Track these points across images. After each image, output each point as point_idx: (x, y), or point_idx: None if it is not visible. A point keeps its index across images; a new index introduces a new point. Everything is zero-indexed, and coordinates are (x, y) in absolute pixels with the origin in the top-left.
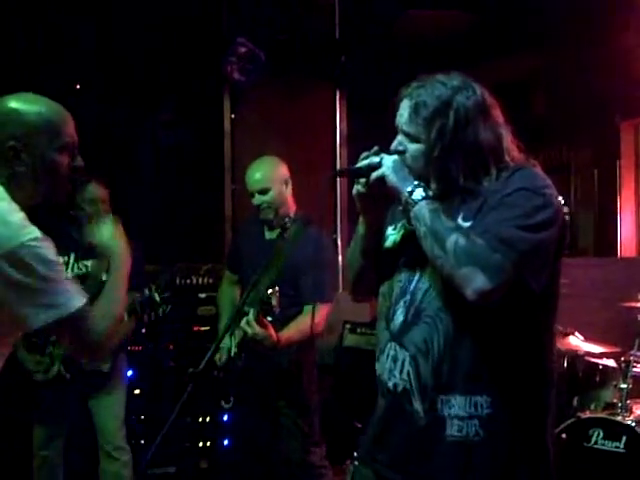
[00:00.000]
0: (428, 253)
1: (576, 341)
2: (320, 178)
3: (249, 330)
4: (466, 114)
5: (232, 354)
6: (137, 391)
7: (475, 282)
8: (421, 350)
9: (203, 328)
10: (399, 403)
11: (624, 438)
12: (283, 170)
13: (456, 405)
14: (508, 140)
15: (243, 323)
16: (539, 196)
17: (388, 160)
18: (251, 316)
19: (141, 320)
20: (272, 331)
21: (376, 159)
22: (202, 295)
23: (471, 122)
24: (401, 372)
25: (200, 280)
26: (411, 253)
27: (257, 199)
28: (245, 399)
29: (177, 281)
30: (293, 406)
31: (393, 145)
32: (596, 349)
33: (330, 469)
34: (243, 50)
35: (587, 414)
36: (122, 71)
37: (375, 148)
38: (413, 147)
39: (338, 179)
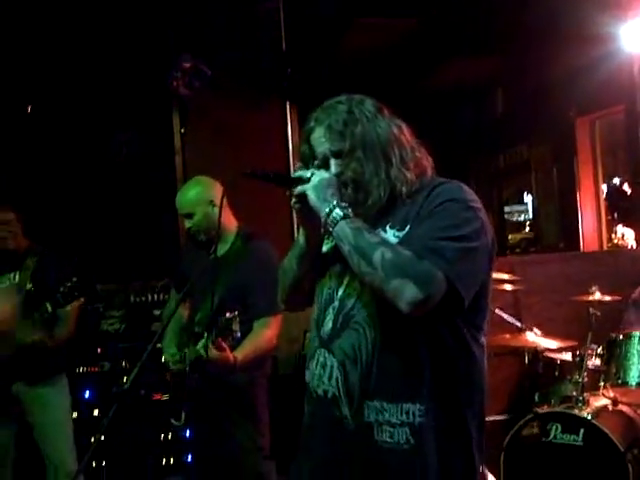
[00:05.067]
0: (356, 270)
1: (534, 337)
2: (275, 191)
3: (207, 354)
4: (371, 115)
5: (185, 372)
6: (96, 412)
7: (406, 293)
8: (349, 357)
9: (159, 345)
10: (327, 409)
11: (582, 431)
12: (208, 191)
13: (386, 412)
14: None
15: (200, 346)
16: (467, 209)
17: (315, 178)
18: (207, 341)
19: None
20: (230, 354)
21: (307, 174)
22: (157, 312)
23: (378, 119)
24: (330, 378)
25: (155, 297)
26: (342, 259)
27: (185, 223)
28: (197, 416)
29: (131, 299)
30: (246, 422)
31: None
32: (554, 344)
33: None
34: (188, 65)
35: (545, 409)
36: (71, 89)
37: (316, 162)
38: (341, 162)
39: None
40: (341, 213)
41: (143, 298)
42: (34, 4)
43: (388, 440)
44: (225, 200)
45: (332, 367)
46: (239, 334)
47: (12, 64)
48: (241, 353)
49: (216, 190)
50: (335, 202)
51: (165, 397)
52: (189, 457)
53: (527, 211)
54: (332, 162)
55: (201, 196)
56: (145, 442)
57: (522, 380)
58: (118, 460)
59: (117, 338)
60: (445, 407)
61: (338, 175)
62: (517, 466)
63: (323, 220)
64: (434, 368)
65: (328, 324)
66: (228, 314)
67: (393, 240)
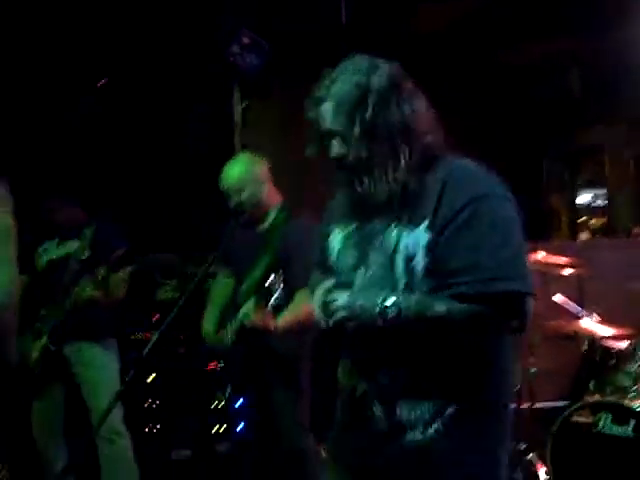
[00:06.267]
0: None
1: (592, 324)
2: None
3: (246, 320)
4: (384, 94)
5: (229, 342)
6: (150, 378)
7: (509, 329)
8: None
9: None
10: (359, 407)
11: (632, 422)
12: (256, 169)
13: (417, 409)
14: (428, 119)
15: (243, 311)
16: (499, 200)
17: (340, 304)
18: (251, 305)
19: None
20: (270, 319)
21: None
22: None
23: (391, 101)
24: (360, 375)
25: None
26: (356, 251)
27: (231, 200)
28: (241, 389)
29: (188, 270)
30: (288, 392)
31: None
32: (613, 332)
33: (320, 455)
34: (246, 40)
35: (596, 398)
36: (133, 64)
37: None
38: (339, 145)
39: None
40: (392, 314)
41: (199, 269)
42: None
43: (419, 437)
44: (268, 176)
45: (363, 364)
46: (280, 289)
47: (84, 39)
48: (282, 322)
49: (262, 167)
50: (377, 310)
51: (220, 366)
52: (239, 426)
53: (604, 195)
54: (335, 141)
55: (249, 174)
56: (197, 409)
57: (579, 367)
58: (170, 426)
59: (172, 307)
60: (476, 403)
61: (342, 157)
62: (565, 454)
63: (380, 320)
64: (465, 362)
65: None
66: (270, 278)
67: (409, 240)
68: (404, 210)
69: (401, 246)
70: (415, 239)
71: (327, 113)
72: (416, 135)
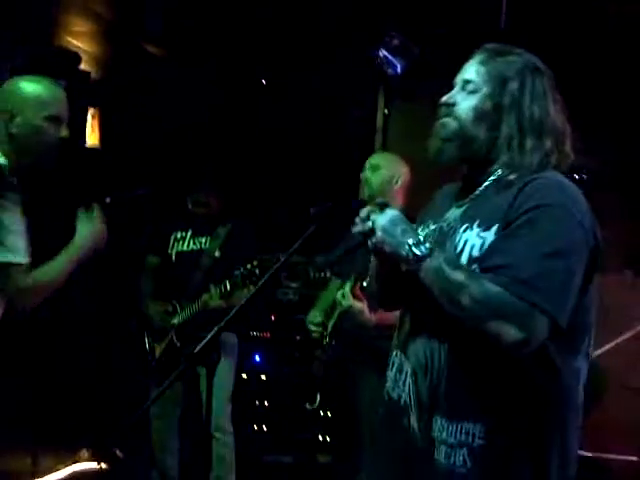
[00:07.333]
0: (446, 310)
1: None
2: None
3: (344, 302)
4: (534, 89)
5: (324, 343)
6: (263, 377)
7: (506, 336)
8: (421, 364)
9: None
10: (398, 416)
11: None
12: (401, 167)
13: (445, 430)
14: (568, 139)
15: (339, 295)
16: (563, 216)
17: (380, 222)
18: (347, 288)
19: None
20: (366, 306)
21: (368, 225)
22: None
23: (538, 100)
24: (403, 384)
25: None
26: None
27: (363, 174)
28: (331, 399)
29: (311, 273)
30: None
31: (444, 98)
32: None
33: None
34: (395, 43)
35: None
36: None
37: (364, 211)
38: (468, 99)
39: None
40: (422, 251)
41: (322, 274)
42: None
43: (443, 461)
44: (406, 180)
45: (406, 373)
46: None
47: (243, 42)
48: (380, 312)
49: (403, 166)
50: (410, 240)
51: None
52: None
53: None
54: (458, 88)
55: (395, 165)
56: (303, 416)
57: None
58: (277, 429)
59: (294, 309)
60: (514, 433)
61: (454, 104)
62: None
63: (404, 262)
64: (506, 389)
65: (406, 326)
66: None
67: (477, 241)
68: (481, 208)
69: (467, 247)
70: (482, 241)
71: (469, 67)
72: (540, 137)
